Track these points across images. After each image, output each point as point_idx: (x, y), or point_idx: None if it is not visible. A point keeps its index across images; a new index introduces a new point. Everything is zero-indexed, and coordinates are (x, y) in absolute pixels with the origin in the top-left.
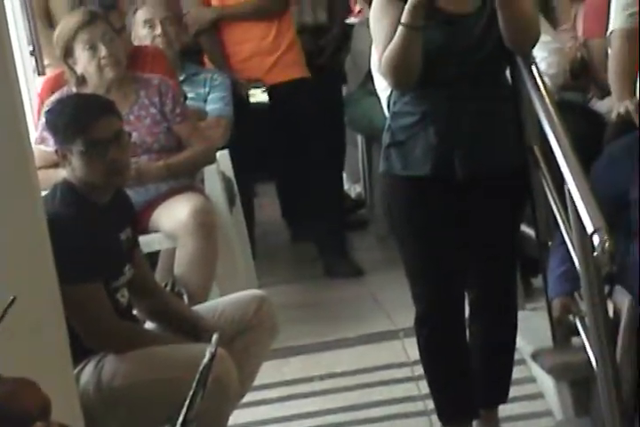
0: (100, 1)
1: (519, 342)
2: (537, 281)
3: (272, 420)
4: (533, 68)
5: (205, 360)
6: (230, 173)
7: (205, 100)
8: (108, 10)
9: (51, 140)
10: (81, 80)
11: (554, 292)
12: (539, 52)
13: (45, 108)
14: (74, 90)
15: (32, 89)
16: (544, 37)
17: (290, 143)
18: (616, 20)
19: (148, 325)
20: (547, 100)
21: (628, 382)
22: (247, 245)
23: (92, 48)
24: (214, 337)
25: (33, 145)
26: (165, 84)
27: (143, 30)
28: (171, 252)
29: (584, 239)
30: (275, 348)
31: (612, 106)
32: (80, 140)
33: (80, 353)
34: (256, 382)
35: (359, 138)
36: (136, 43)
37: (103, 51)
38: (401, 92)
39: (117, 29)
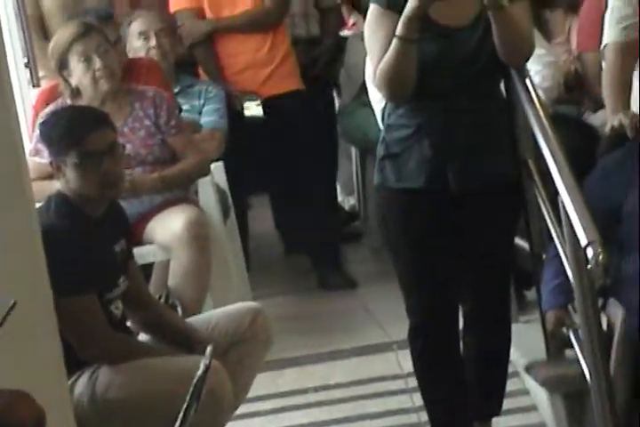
0: (96, 13)
1: (513, 354)
2: (530, 294)
3: None
4: (527, 81)
5: (200, 372)
6: (224, 185)
7: (200, 113)
8: (105, 22)
9: (45, 152)
10: (75, 92)
11: (548, 304)
12: (533, 66)
13: (40, 120)
14: (68, 102)
15: (27, 101)
16: (538, 50)
17: (284, 155)
18: (610, 34)
19: (142, 337)
20: (541, 113)
21: (622, 395)
22: (241, 257)
23: (87, 60)
24: (208, 349)
25: (27, 157)
26: (160, 97)
27: (138, 42)
28: (165, 264)
29: (578, 252)
30: (269, 360)
31: (605, 119)
32: (74, 152)
33: (74, 365)
34: (250, 394)
35: (353, 150)
36: (131, 54)
37: (98, 63)
38: (395, 104)
39: (113, 41)
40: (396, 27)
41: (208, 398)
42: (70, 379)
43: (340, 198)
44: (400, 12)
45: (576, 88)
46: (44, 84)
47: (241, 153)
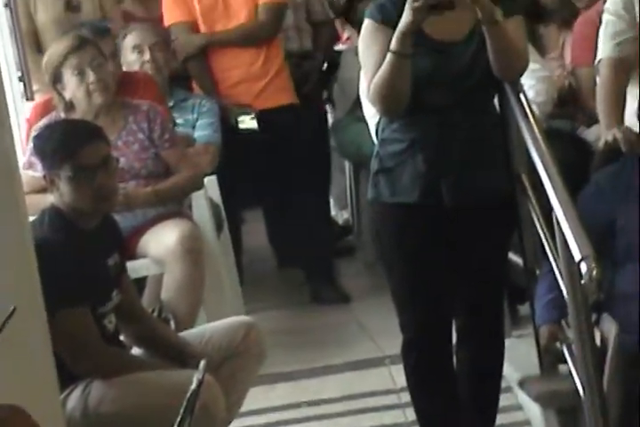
0: (92, 27)
1: (506, 369)
2: (524, 308)
3: None
4: (521, 95)
5: (193, 387)
6: (218, 199)
7: (194, 127)
8: (101, 35)
9: (39, 166)
10: (69, 105)
11: (541, 319)
12: (527, 80)
13: (34, 134)
14: (62, 115)
15: (21, 114)
16: (532, 65)
17: (277, 169)
18: (604, 49)
19: (135, 351)
20: (535, 127)
21: (615, 411)
22: (234, 271)
23: (81, 73)
24: (202, 364)
25: (21, 170)
26: (154, 110)
27: (132, 56)
28: (158, 277)
29: (572, 267)
30: (262, 374)
31: (599, 134)
32: (68, 165)
33: (67, 379)
34: (243, 409)
35: (347, 164)
36: (125, 68)
37: (91, 76)
38: (389, 118)
39: (109, 55)
40: (390, 41)
41: (201, 412)
42: (63, 393)
43: (333, 212)
44: (394, 27)
45: (570, 103)
46: (38, 98)
47: (235, 166)
